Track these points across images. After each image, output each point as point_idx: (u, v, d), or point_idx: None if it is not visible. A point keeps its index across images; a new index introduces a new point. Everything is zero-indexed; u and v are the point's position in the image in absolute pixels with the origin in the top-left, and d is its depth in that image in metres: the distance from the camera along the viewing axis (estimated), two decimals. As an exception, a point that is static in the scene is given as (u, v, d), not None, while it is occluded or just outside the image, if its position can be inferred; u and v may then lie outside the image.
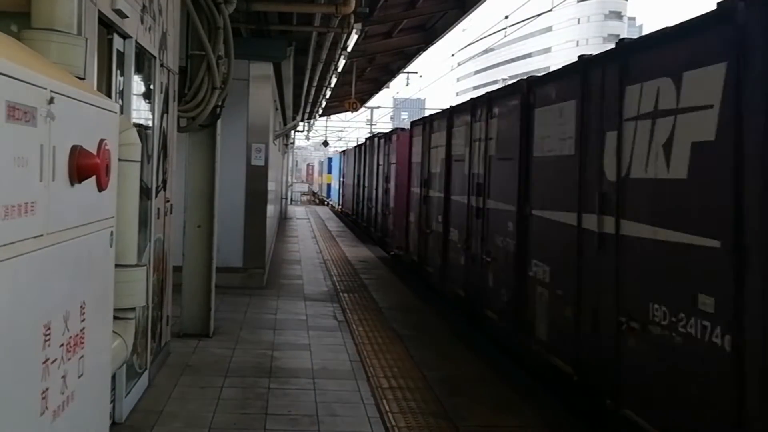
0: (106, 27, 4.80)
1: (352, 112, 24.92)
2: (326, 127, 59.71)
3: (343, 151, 38.44)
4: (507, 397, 6.63)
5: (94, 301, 3.10)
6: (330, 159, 54.33)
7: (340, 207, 38.19)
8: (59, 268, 2.67)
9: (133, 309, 4.10)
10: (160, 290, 6.70)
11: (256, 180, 12.09)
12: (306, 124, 40.76)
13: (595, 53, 6.39)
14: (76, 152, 2.70)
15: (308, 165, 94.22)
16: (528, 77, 8.05)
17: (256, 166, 12.02)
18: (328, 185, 53.95)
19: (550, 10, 16.77)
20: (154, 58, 6.09)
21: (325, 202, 53.62)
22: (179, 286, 8.12)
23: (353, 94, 22.50)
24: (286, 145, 31.49)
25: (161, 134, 6.43)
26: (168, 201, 6.85)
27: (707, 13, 4.62)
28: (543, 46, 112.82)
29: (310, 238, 22.45)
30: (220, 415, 5.74)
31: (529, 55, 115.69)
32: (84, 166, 2.73)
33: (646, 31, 6.43)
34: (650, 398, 5.00)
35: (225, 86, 8.09)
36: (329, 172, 52.84)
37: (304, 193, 62.37)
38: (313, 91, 20.30)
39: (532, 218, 7.49)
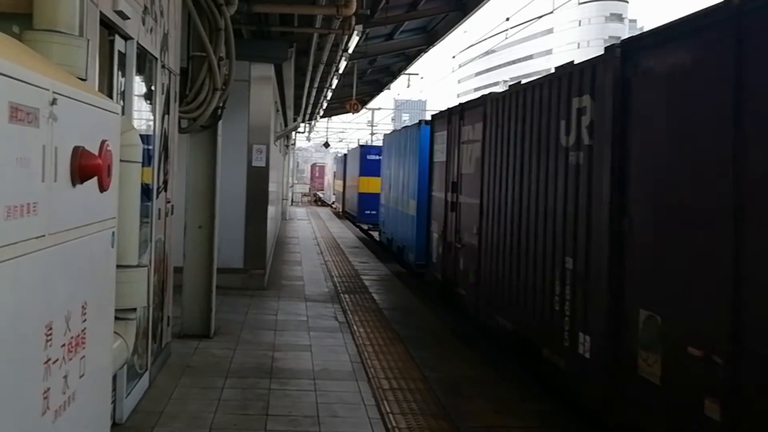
0: (108, 28, 4.81)
1: (353, 113, 24.93)
2: (327, 128, 59.74)
3: (457, 109, 10.99)
4: (507, 397, 6.63)
5: (96, 301, 3.10)
6: (366, 151, 30.77)
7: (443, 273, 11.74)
8: (61, 269, 2.67)
9: (134, 309, 4.10)
10: (161, 291, 6.71)
11: (257, 181, 12.11)
12: (307, 125, 40.76)
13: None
14: (78, 153, 2.71)
15: (314, 165, 71.46)
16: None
17: (257, 167, 12.04)
18: (361, 197, 29.06)
19: (551, 12, 16.80)
20: (156, 59, 6.10)
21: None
22: (180, 287, 8.12)
23: (354, 96, 22.50)
24: (287, 146, 31.50)
25: (162, 135, 6.44)
26: (169, 202, 6.86)
27: None
28: (544, 48, 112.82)
29: (311, 239, 22.45)
30: (221, 416, 5.75)
31: (530, 57, 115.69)
32: (86, 167, 2.74)
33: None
34: None
35: (226, 87, 8.11)
36: (363, 172, 29.44)
37: (304, 194, 61.98)
38: (314, 93, 20.31)
39: None
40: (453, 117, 11.25)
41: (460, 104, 10.95)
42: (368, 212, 27.94)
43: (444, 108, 12.02)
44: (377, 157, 26.74)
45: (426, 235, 12.91)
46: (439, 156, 11.97)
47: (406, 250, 15.57)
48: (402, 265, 16.13)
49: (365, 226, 28.67)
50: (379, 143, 30.65)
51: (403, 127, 17.30)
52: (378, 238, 22.33)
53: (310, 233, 24.60)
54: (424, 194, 13.21)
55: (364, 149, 31.99)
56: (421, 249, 13.63)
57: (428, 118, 14.22)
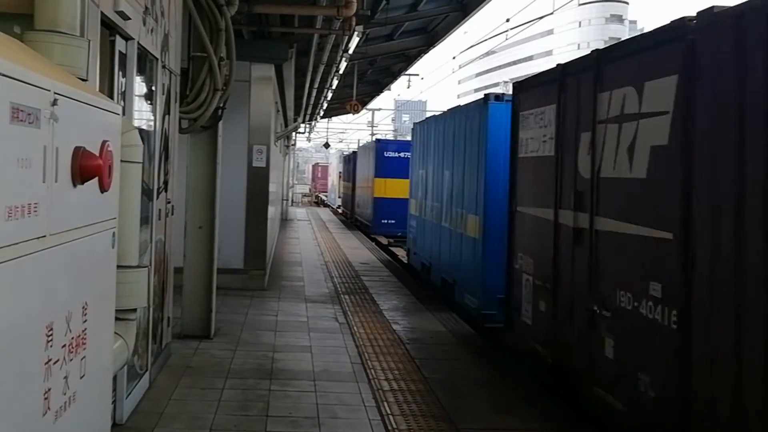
0: (109, 29, 4.81)
1: (354, 114, 24.86)
2: (327, 128, 59.78)
3: (589, 63, 6.19)
4: (508, 399, 6.63)
5: (96, 301, 3.10)
6: (383, 147, 25.31)
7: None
8: (62, 269, 2.67)
9: (135, 310, 4.10)
10: (161, 291, 6.71)
11: (258, 181, 12.11)
12: (307, 125, 40.76)
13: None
14: (79, 153, 2.71)
15: (316, 166, 68.35)
16: None
17: (257, 167, 12.05)
18: (377, 203, 24.23)
19: (552, 13, 16.80)
20: (156, 59, 6.10)
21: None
22: (180, 287, 8.12)
23: (354, 96, 22.49)
24: (288, 146, 31.50)
25: (163, 135, 6.44)
26: (169, 202, 6.86)
27: None
28: (544, 49, 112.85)
29: (312, 239, 22.44)
30: (221, 417, 5.74)
31: (530, 58, 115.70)
32: (87, 168, 2.74)
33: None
34: None
35: (226, 88, 8.11)
36: (379, 173, 24.39)
37: (305, 195, 61.98)
38: (314, 93, 20.33)
39: None
40: (572, 80, 6.61)
41: (595, 52, 6.18)
42: (386, 221, 23.29)
43: (538, 71, 7.96)
44: (397, 155, 23.33)
45: (506, 275, 8.25)
46: (533, 148, 7.53)
47: (461, 289, 10.70)
48: (452, 308, 10.99)
49: (384, 240, 23.00)
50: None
51: (451, 109, 12.55)
52: (407, 260, 16.50)
53: (310, 233, 24.52)
54: (498, 208, 8.91)
55: (381, 144, 25.58)
56: (491, 293, 9.19)
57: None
